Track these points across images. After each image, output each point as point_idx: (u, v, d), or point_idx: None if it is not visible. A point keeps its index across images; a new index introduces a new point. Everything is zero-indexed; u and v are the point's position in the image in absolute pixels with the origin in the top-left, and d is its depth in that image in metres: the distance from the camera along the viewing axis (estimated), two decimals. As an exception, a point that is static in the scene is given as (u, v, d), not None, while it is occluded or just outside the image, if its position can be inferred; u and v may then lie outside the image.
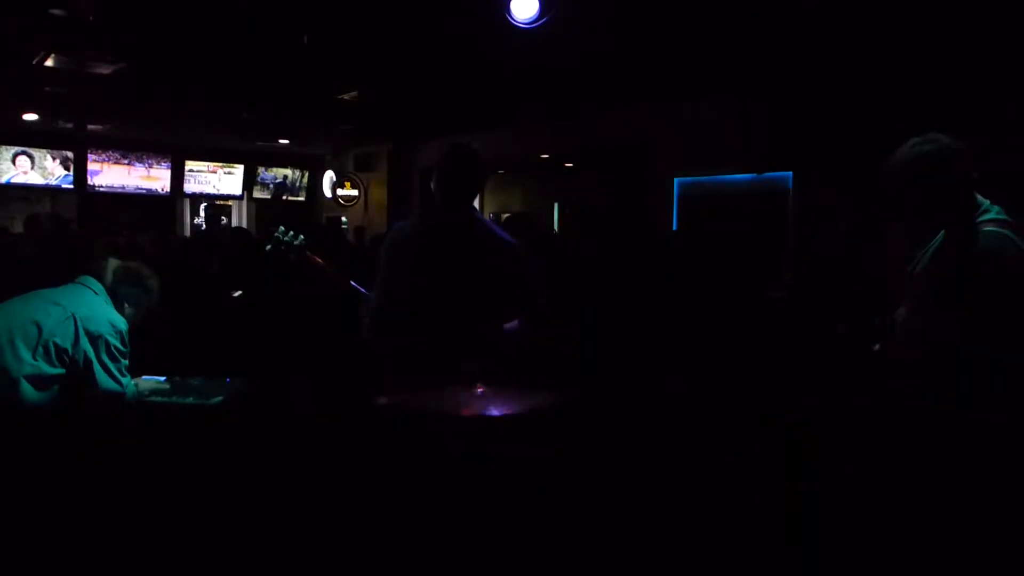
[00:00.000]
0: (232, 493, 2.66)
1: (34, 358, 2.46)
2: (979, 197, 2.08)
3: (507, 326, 2.55)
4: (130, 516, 2.45)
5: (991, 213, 2.04)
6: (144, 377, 2.89)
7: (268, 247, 2.73)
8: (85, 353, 2.54)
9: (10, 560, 2.20)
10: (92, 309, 2.64)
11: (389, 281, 2.49)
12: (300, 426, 2.92)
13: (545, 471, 2.56)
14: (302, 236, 2.74)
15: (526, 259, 2.62)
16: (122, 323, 2.69)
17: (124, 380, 2.67)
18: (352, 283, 2.71)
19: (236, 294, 3.94)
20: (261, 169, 11.79)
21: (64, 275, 2.83)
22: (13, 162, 9.51)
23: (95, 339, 2.57)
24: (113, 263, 2.83)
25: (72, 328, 2.53)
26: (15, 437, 2.37)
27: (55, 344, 2.49)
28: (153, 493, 2.52)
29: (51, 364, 2.49)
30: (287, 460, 2.78)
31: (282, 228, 2.74)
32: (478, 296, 2.46)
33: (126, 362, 2.70)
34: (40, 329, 2.49)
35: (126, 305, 2.80)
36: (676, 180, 7.06)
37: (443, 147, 2.60)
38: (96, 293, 2.72)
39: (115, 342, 2.63)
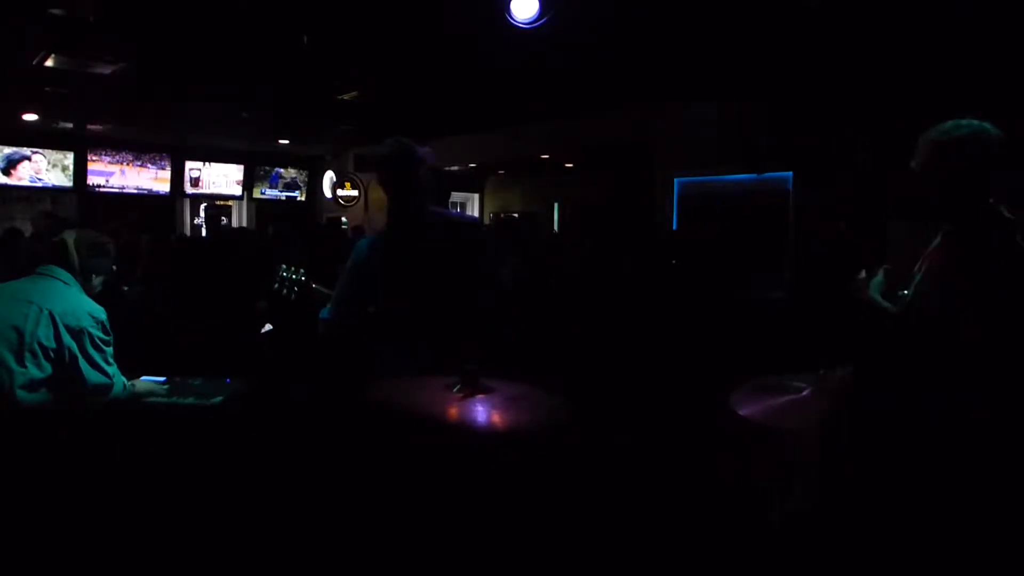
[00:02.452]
0: (231, 494, 2.66)
1: (22, 365, 2.38)
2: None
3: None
4: (129, 517, 2.44)
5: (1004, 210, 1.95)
6: (144, 377, 2.88)
7: (275, 286, 2.81)
8: (69, 349, 2.46)
9: (8, 561, 2.20)
10: (67, 302, 2.52)
11: (350, 291, 2.54)
12: (299, 427, 2.92)
13: (541, 475, 2.56)
14: (303, 271, 2.82)
15: (485, 233, 2.67)
16: (100, 312, 2.59)
17: (111, 370, 2.58)
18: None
19: (265, 329, 3.94)
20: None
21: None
22: (16, 162, 9.52)
23: (77, 333, 2.48)
24: (70, 239, 2.66)
25: (51, 327, 2.43)
26: (13, 440, 2.36)
27: (40, 345, 2.41)
28: (153, 494, 2.52)
29: (39, 368, 2.41)
30: (286, 461, 2.78)
31: (284, 266, 2.82)
32: (448, 289, 2.49)
33: (111, 350, 2.60)
34: (20, 334, 2.40)
35: (94, 276, 2.69)
36: (676, 180, 7.06)
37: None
38: (66, 283, 2.58)
39: (97, 333, 2.54)
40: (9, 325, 2.41)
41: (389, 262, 2.51)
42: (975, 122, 1.96)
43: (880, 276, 2.23)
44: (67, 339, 2.46)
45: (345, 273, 2.56)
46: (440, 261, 2.49)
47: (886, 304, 2.16)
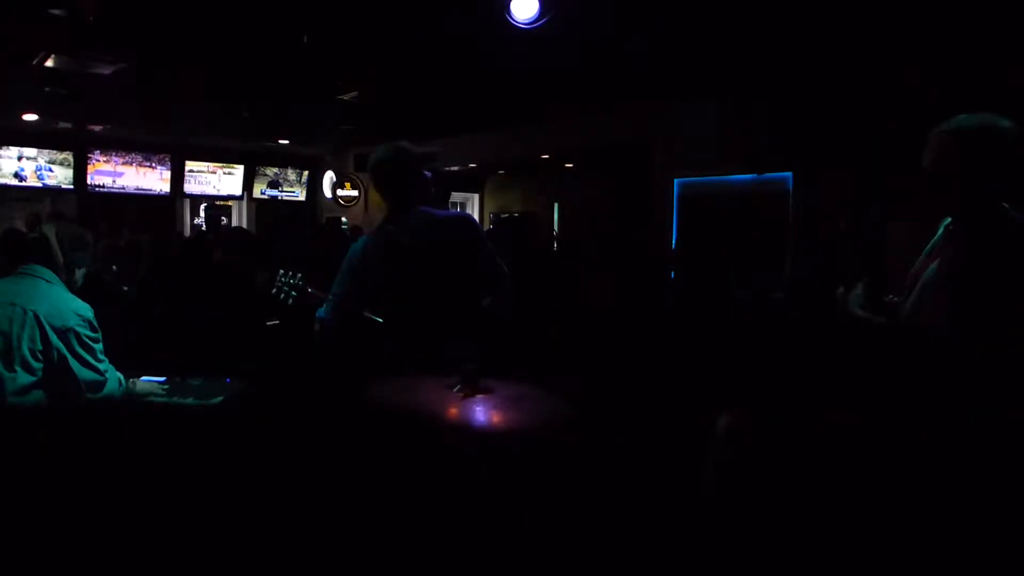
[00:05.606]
0: (231, 494, 2.65)
1: (11, 370, 2.35)
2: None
3: (484, 303, 2.59)
4: (129, 517, 2.44)
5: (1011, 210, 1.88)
6: (144, 377, 2.88)
7: (273, 291, 2.83)
8: (58, 350, 2.42)
9: (7, 563, 2.20)
10: (51, 302, 2.47)
11: (347, 290, 2.55)
12: (299, 427, 2.92)
13: (541, 475, 2.55)
14: (300, 275, 2.84)
15: (478, 227, 2.69)
16: (87, 310, 2.54)
17: (102, 366, 2.54)
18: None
19: (271, 323, 3.96)
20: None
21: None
22: (19, 162, 9.54)
23: (64, 333, 2.44)
24: (51, 232, 2.60)
25: (37, 328, 2.39)
26: (10, 440, 2.36)
27: (29, 349, 2.38)
28: (153, 494, 2.52)
29: (30, 371, 2.38)
30: (287, 461, 2.78)
31: (281, 271, 2.84)
32: (445, 283, 2.49)
33: (100, 346, 2.56)
34: (7, 337, 2.36)
35: (76, 271, 2.66)
36: (676, 180, 7.06)
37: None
38: (49, 282, 2.53)
39: (85, 331, 2.50)
40: None
41: (381, 263, 2.52)
42: (987, 115, 1.86)
43: (859, 290, 2.15)
44: (54, 340, 2.42)
45: (341, 273, 2.57)
46: (431, 260, 2.49)
47: (868, 315, 2.10)
